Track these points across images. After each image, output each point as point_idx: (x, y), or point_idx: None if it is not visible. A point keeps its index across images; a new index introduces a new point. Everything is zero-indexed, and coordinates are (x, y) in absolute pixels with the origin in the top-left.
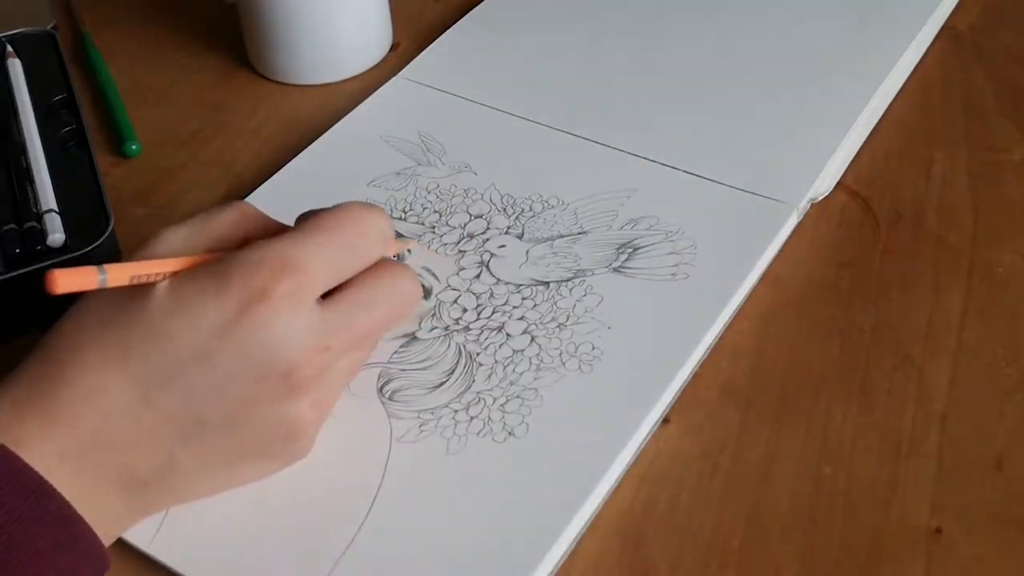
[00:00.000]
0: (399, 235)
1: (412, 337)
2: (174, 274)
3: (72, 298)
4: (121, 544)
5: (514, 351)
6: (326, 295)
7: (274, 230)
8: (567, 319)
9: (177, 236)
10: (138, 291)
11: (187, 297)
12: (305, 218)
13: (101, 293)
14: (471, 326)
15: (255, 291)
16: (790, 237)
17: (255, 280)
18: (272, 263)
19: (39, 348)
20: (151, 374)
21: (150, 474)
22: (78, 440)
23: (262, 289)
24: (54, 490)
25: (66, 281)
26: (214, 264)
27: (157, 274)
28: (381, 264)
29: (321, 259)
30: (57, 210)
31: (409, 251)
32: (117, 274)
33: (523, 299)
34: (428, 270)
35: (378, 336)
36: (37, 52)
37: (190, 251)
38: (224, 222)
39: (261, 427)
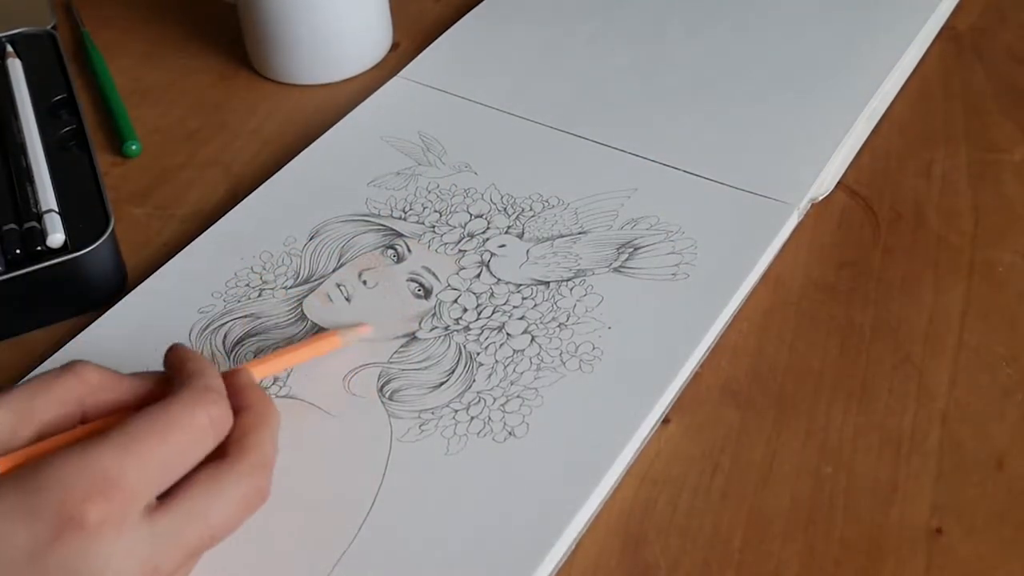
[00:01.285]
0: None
1: (412, 337)
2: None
3: (66, 299)
4: None
5: (514, 351)
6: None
7: (116, 399)
8: (567, 319)
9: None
10: None
11: None
12: (167, 360)
13: None
14: (471, 326)
15: (69, 517)
16: (790, 237)
17: (68, 503)
18: (87, 482)
19: None
20: None
21: None
22: None
23: (77, 514)
24: None
25: None
26: (23, 479)
27: None
28: (226, 461)
29: (144, 468)
30: (57, 210)
31: (411, 248)
32: None
33: (523, 299)
34: (428, 269)
35: (214, 544)
36: (37, 52)
37: (12, 442)
38: (57, 398)
39: None
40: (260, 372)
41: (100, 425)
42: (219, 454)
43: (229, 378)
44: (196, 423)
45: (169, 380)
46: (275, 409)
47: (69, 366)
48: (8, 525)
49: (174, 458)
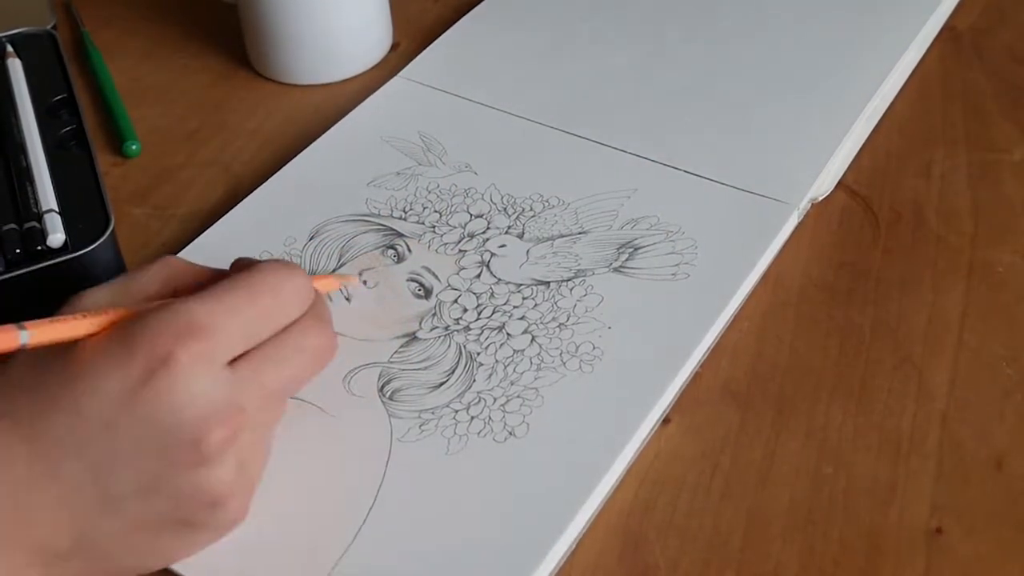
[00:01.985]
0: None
1: (412, 337)
2: (89, 336)
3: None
4: None
5: (514, 351)
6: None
7: (205, 283)
8: (567, 319)
9: (100, 296)
10: (52, 355)
11: (92, 364)
12: (235, 268)
13: (15, 365)
14: (471, 326)
15: (159, 356)
16: (790, 237)
17: (159, 344)
18: (178, 326)
19: None
20: (57, 447)
21: (69, 550)
22: None
23: (166, 353)
24: None
25: None
26: (121, 327)
27: (75, 335)
28: (300, 321)
29: (231, 321)
30: (57, 210)
31: (410, 249)
32: (39, 332)
33: (524, 299)
34: (428, 269)
35: (290, 394)
36: (37, 52)
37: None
38: (150, 279)
39: (178, 497)
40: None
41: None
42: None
43: None
44: (286, 288)
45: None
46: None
47: (159, 258)
48: (106, 367)
49: (263, 317)
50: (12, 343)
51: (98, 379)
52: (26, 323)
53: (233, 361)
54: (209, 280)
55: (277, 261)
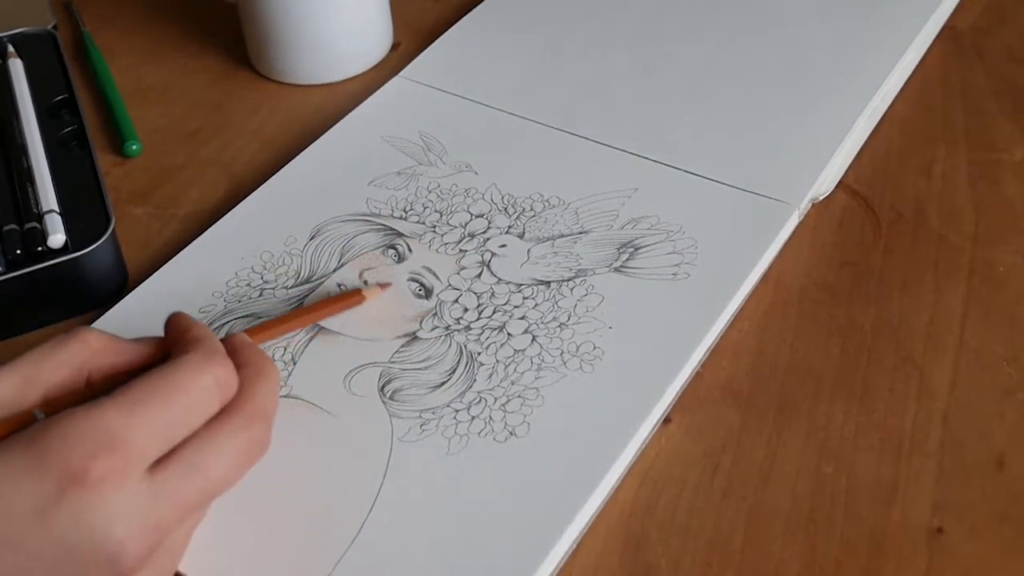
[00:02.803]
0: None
1: (413, 337)
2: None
3: (66, 304)
4: None
5: (515, 351)
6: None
7: (119, 362)
8: (568, 319)
9: (5, 387)
10: None
11: (1, 477)
12: (169, 328)
13: None
14: (472, 326)
15: (72, 473)
16: (791, 237)
17: (73, 460)
18: (93, 439)
19: None
20: None
21: None
22: None
23: (82, 469)
24: None
25: None
26: (29, 437)
27: None
28: (225, 419)
29: (148, 430)
30: (58, 210)
31: (410, 250)
32: None
33: (524, 299)
34: (429, 269)
35: (214, 497)
36: (38, 52)
37: (19, 405)
38: (61, 364)
39: None
40: (278, 330)
41: (104, 388)
42: (218, 412)
43: (226, 341)
44: (201, 385)
45: (170, 345)
46: (273, 365)
47: (73, 332)
48: (14, 482)
49: (178, 419)
50: None
51: (7, 495)
52: None
53: (156, 464)
54: (127, 356)
55: (194, 352)
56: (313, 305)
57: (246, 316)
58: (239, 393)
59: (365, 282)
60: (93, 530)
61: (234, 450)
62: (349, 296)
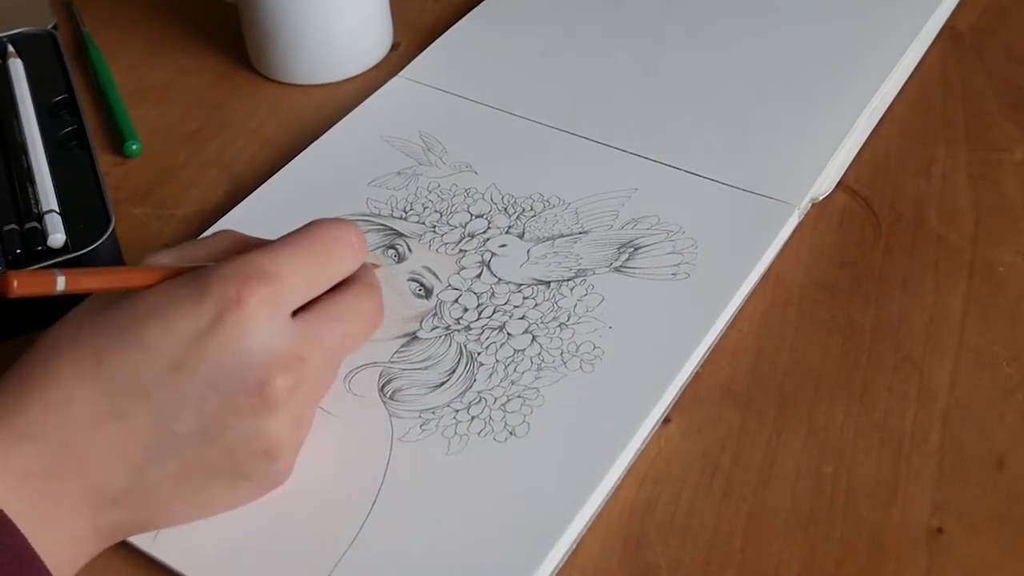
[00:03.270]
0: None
1: (413, 337)
2: (153, 284)
3: (72, 300)
4: (123, 544)
5: (515, 350)
6: (297, 311)
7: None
8: (568, 319)
9: (164, 257)
10: (116, 301)
11: (162, 306)
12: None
13: (81, 307)
14: (472, 326)
15: (230, 299)
16: (791, 237)
17: (230, 288)
18: (247, 273)
19: (15, 364)
20: (122, 386)
21: (119, 492)
22: (45, 457)
23: (237, 297)
24: (11, 524)
25: (24, 281)
26: (190, 275)
27: (136, 286)
28: (350, 282)
29: (295, 271)
30: (58, 210)
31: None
32: (76, 279)
33: (524, 299)
34: (429, 269)
35: (345, 353)
36: (38, 52)
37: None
38: (210, 246)
39: (236, 442)
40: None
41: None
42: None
43: None
44: (345, 240)
45: None
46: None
47: (219, 231)
48: (174, 310)
49: (321, 268)
50: (47, 287)
51: (168, 320)
52: (64, 270)
53: (295, 314)
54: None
55: (332, 219)
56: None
57: None
58: (362, 269)
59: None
60: (246, 354)
61: (364, 310)
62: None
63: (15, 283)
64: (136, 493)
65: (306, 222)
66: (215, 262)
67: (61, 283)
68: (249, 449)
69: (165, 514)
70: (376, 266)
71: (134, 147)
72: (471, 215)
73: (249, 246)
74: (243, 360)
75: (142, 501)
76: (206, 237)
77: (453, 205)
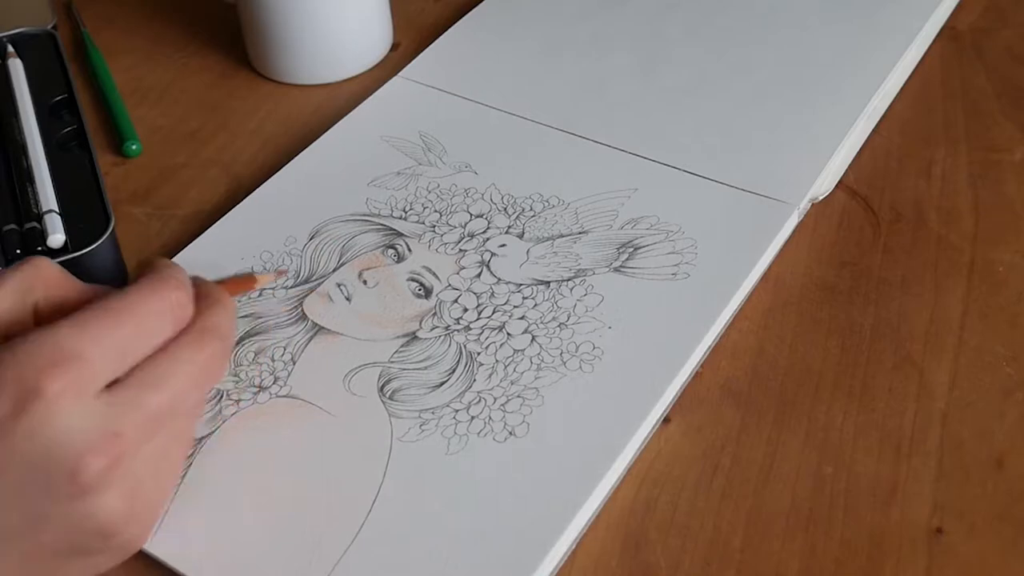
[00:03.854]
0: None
1: (413, 337)
2: None
3: None
4: None
5: (515, 350)
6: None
7: (70, 297)
8: (568, 319)
9: None
10: None
11: None
12: (140, 266)
13: None
14: (472, 326)
15: (29, 390)
16: (790, 237)
17: (27, 377)
18: (43, 357)
19: None
20: None
21: None
22: None
23: (36, 388)
24: None
25: None
26: None
27: None
28: (180, 336)
29: (101, 346)
30: (57, 210)
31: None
32: None
33: (524, 299)
34: (428, 269)
35: (184, 410)
36: (38, 52)
37: None
38: (13, 287)
39: (65, 529)
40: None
41: (52, 318)
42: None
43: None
44: (155, 306)
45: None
46: (229, 297)
47: (27, 259)
48: None
49: (132, 339)
50: None
51: None
52: None
53: (109, 386)
54: (79, 293)
55: (149, 276)
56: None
57: (246, 316)
58: (194, 316)
59: (364, 281)
60: (52, 445)
61: (190, 366)
62: (243, 281)
63: None
64: None
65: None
66: (23, 316)
67: None
68: (82, 531)
69: None
70: (252, 284)
71: (134, 147)
72: (471, 215)
73: (55, 283)
74: (51, 451)
75: None
76: (7, 277)
77: (453, 205)
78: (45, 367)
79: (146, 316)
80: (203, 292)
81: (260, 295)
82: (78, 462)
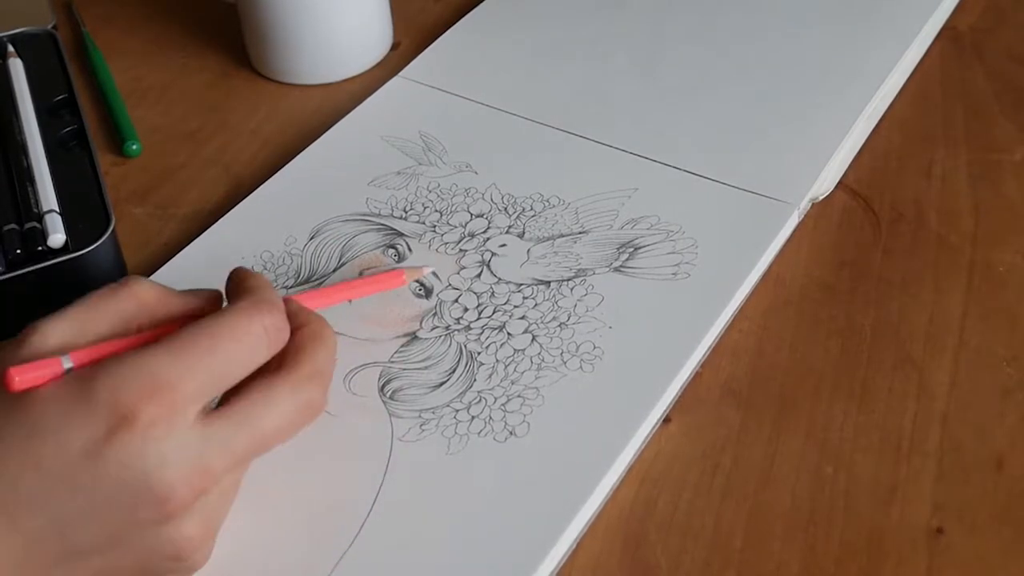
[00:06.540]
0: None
1: (413, 336)
2: (42, 384)
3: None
4: None
5: (515, 350)
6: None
7: (169, 314)
8: (568, 318)
9: (56, 331)
10: (11, 404)
11: (51, 419)
12: (231, 280)
13: None
14: (472, 325)
15: (122, 416)
16: (791, 237)
17: (121, 403)
18: (140, 383)
19: None
20: (18, 499)
21: None
22: None
23: (130, 413)
24: None
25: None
26: (79, 379)
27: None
28: (280, 373)
29: (194, 375)
30: (58, 210)
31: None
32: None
33: (524, 298)
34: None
35: (267, 450)
36: (38, 52)
37: (71, 348)
38: (112, 312)
39: (142, 552)
40: (320, 302)
41: (154, 335)
42: (274, 366)
43: (285, 302)
44: (250, 331)
45: (221, 298)
46: (331, 329)
47: (124, 282)
48: (64, 425)
49: (226, 365)
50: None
51: (59, 435)
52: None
53: (206, 414)
54: (177, 308)
55: (244, 300)
56: (354, 281)
57: None
58: (297, 353)
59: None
60: (144, 472)
61: (288, 407)
62: (389, 277)
63: None
64: None
65: (220, 306)
66: (114, 336)
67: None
68: (157, 555)
69: None
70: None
71: (134, 147)
72: (471, 215)
73: (155, 310)
74: (141, 478)
75: None
76: (109, 293)
77: (453, 205)
78: (140, 394)
79: (241, 341)
80: (304, 322)
81: None
82: (169, 492)
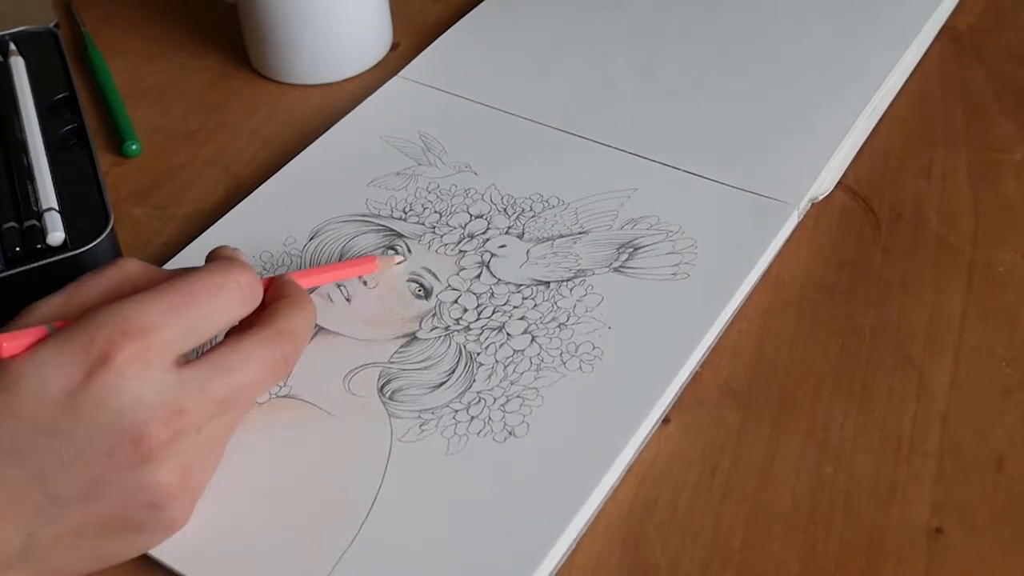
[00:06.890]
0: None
1: (412, 337)
2: (28, 347)
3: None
4: None
5: (514, 351)
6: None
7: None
8: (567, 319)
9: (47, 306)
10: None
11: (29, 369)
12: (208, 259)
13: None
14: (471, 326)
15: (97, 357)
16: (790, 237)
17: (96, 345)
18: (112, 328)
19: None
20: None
21: (12, 556)
22: None
23: (104, 355)
24: None
25: None
26: (58, 333)
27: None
28: (257, 327)
29: (169, 320)
30: (57, 209)
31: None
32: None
33: (523, 299)
34: (428, 270)
35: (245, 401)
36: (39, 50)
37: (59, 319)
38: (100, 286)
39: (120, 498)
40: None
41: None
42: (249, 326)
43: (272, 280)
44: (225, 286)
45: None
46: (311, 301)
47: (114, 261)
48: (42, 372)
49: (201, 316)
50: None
51: (36, 384)
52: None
53: (180, 365)
54: (163, 279)
55: (223, 259)
56: (328, 266)
57: None
58: (272, 313)
59: (364, 282)
60: (119, 412)
61: (261, 358)
62: (362, 262)
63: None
64: (30, 555)
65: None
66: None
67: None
68: (135, 502)
69: (63, 569)
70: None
71: (134, 147)
72: (470, 215)
73: (143, 283)
74: (117, 417)
75: (38, 561)
76: (97, 274)
77: (452, 205)
78: (114, 336)
79: (215, 294)
80: (286, 292)
81: None
82: (143, 430)
